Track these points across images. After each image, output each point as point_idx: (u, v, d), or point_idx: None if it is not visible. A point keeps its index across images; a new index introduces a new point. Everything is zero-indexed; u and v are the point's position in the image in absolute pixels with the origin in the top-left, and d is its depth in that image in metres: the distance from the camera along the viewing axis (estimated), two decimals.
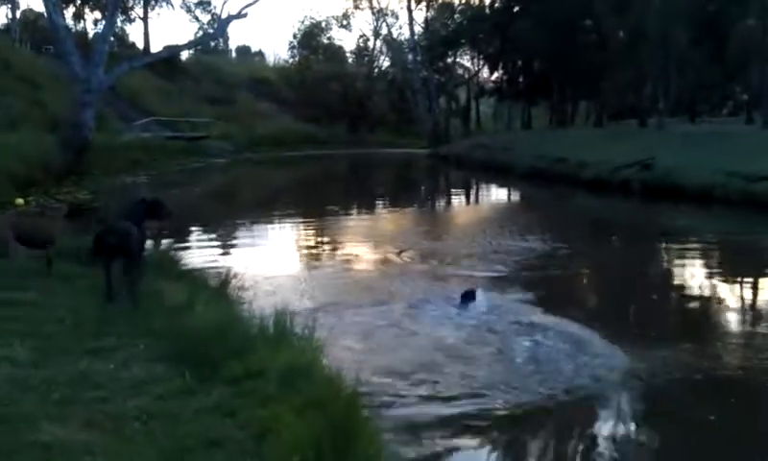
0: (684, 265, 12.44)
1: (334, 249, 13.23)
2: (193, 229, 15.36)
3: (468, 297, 9.09)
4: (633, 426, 5.67)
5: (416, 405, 5.71)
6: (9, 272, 7.31)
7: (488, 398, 5.90)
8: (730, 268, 12.11)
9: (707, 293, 10.31)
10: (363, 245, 13.15)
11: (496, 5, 50.82)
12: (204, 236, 14.78)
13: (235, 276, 7.66)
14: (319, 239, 14.81)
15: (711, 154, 22.12)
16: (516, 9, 47.78)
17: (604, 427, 5.63)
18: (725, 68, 35.66)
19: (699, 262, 12.65)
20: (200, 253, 12.07)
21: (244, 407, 4.26)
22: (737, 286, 10.77)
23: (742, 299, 10.10)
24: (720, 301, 9.76)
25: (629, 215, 19.79)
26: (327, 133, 52.29)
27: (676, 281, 11.28)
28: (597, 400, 6.04)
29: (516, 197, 27.27)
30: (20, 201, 16.21)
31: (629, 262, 12.71)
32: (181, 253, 9.11)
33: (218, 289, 7.20)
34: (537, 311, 8.56)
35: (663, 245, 14.55)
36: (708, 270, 12.05)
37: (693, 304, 9.65)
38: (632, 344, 7.09)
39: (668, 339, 7.54)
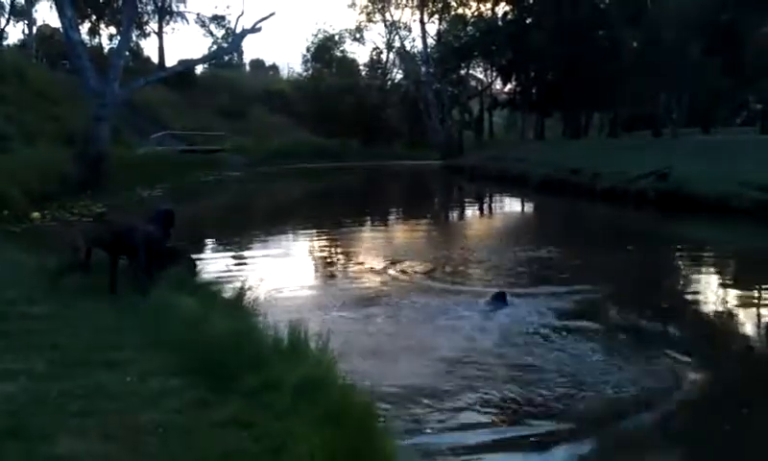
0: (702, 275, 12.36)
1: (348, 261, 13.22)
2: (208, 241, 15.41)
3: (498, 299, 8.99)
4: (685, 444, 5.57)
5: (435, 424, 5.56)
6: (25, 287, 7.36)
7: (517, 417, 5.74)
8: (750, 278, 12.01)
9: (730, 303, 10.22)
10: (377, 257, 13.12)
11: (509, 17, 50.92)
12: (219, 248, 14.82)
13: (250, 288, 7.67)
14: (333, 251, 14.81)
15: (727, 163, 22.02)
16: (529, 20, 47.85)
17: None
18: (740, 77, 35.48)
19: (718, 272, 12.56)
20: (215, 265, 12.10)
21: (260, 420, 4.26)
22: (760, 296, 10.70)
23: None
24: (744, 311, 9.68)
25: (645, 225, 19.68)
26: (341, 146, 52.46)
27: (697, 291, 11.14)
28: (649, 424, 5.78)
29: (530, 208, 27.22)
30: (36, 214, 16.45)
31: (650, 272, 12.59)
32: (197, 265, 9.12)
33: (233, 301, 7.22)
34: (567, 319, 8.49)
35: (681, 255, 14.42)
36: (727, 280, 11.96)
37: (717, 314, 9.58)
38: (667, 356, 7.05)
39: (701, 350, 7.45)
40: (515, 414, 5.78)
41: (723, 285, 11.52)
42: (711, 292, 10.96)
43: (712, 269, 12.84)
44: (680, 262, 13.65)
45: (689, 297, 10.67)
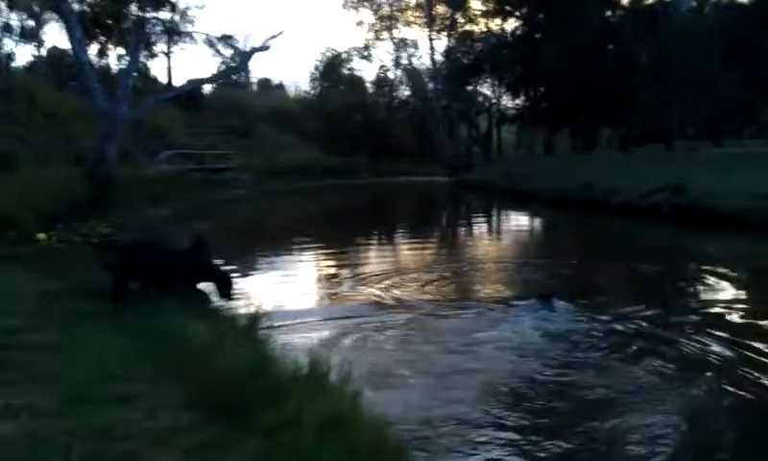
0: (733, 290, 11.92)
1: (361, 281, 12.67)
2: (217, 262, 15.07)
3: (544, 301, 8.72)
4: None
5: None
6: (29, 312, 7.06)
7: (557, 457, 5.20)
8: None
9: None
10: (392, 276, 12.72)
11: (518, 32, 50.70)
12: (229, 270, 14.48)
13: (265, 313, 7.32)
14: (345, 272, 14.33)
15: (743, 176, 21.61)
16: (539, 35, 47.61)
17: None
18: (756, 90, 35.03)
19: (734, 284, 12.16)
20: None
21: None
22: None
23: None
24: None
25: (665, 240, 19.23)
26: (349, 163, 52.24)
27: (731, 306, 10.62)
28: None
29: (543, 224, 26.78)
30: (43, 236, 16.20)
31: (681, 288, 12.15)
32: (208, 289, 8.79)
33: (247, 327, 6.86)
34: (606, 336, 8.14)
35: (708, 269, 13.82)
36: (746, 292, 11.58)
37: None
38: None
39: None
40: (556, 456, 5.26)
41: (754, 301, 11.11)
42: (744, 307, 10.51)
43: (729, 281, 12.39)
44: (709, 277, 13.10)
45: (727, 314, 10.13)
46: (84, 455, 3.94)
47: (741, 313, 10.02)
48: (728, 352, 7.59)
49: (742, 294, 11.67)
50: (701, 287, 12.12)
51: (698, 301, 11.22)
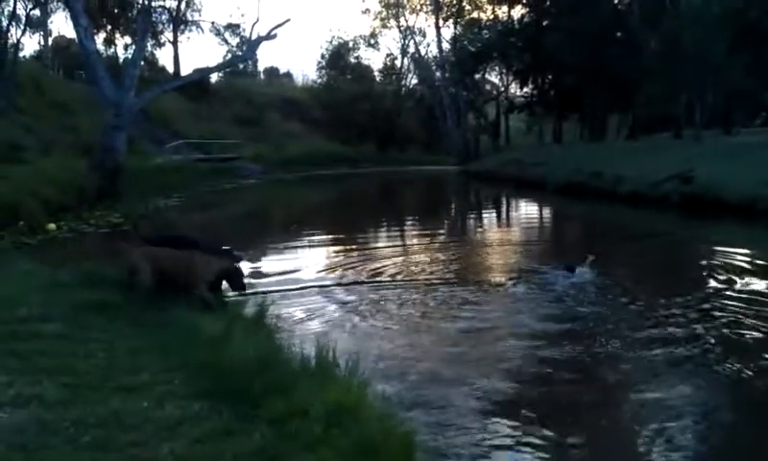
0: (732, 274, 11.85)
1: (372, 274, 12.61)
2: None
3: (570, 271, 9.52)
4: None
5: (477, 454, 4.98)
6: (39, 302, 7.08)
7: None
8: None
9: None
10: (402, 269, 12.65)
11: (525, 19, 50.46)
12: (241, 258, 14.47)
13: (273, 303, 7.31)
14: (354, 262, 14.27)
15: (753, 165, 21.45)
16: (546, 22, 47.35)
17: None
18: (763, 77, 34.72)
19: (745, 272, 12.08)
20: None
21: (289, 451, 3.93)
22: None
23: None
24: None
25: (672, 229, 19.07)
26: (357, 153, 52.29)
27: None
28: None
29: (553, 214, 26.66)
30: (52, 226, 16.26)
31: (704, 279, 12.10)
32: None
33: (255, 318, 6.87)
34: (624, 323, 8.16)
35: (718, 257, 13.70)
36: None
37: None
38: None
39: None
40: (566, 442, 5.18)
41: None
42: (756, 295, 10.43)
43: (740, 269, 12.31)
44: (721, 265, 12.95)
45: (743, 301, 10.02)
46: (92, 443, 3.97)
47: (756, 299, 9.96)
48: (747, 338, 7.58)
49: (751, 281, 11.59)
50: (713, 275, 12.03)
51: (712, 288, 11.08)
